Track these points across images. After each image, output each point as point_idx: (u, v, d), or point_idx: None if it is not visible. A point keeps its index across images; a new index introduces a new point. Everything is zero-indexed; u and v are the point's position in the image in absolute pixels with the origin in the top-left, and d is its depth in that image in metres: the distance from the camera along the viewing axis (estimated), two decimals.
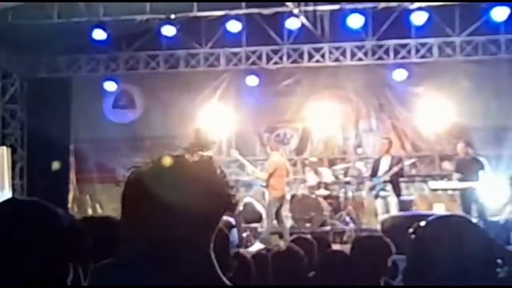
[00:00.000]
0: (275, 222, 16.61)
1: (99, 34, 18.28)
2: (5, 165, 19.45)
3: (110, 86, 20.54)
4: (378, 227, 15.54)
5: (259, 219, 17.77)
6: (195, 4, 18.23)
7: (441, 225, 3.18)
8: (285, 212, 18.07)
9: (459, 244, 3.00)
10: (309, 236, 10.41)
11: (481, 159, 16.95)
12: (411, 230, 3.20)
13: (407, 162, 18.43)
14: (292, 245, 7.70)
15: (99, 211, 19.48)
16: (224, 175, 2.49)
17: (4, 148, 19.70)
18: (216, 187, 2.50)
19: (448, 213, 13.56)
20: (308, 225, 17.03)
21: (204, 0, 18.32)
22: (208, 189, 2.46)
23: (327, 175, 18.64)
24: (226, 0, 18.37)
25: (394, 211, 16.56)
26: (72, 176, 21.13)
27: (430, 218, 3.23)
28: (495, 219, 16.17)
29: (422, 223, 3.16)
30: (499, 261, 6.87)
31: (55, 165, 19.77)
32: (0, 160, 19.20)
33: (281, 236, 16.69)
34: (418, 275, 3.11)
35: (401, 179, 17.73)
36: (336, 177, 18.84)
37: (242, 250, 10.66)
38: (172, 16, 18.52)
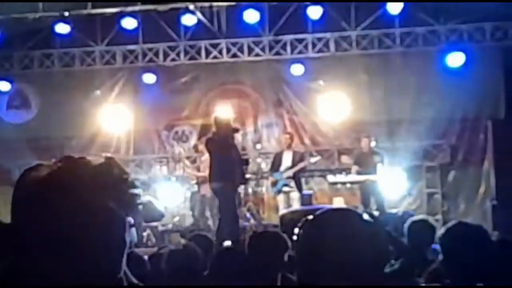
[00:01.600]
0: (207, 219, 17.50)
1: None
2: None
3: (3, 86, 20.97)
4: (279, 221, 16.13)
5: (159, 217, 18.17)
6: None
7: (327, 218, 3.41)
8: (187, 210, 19.11)
9: (344, 237, 3.23)
10: (207, 234, 11.37)
11: (380, 152, 18.35)
12: (299, 224, 3.47)
13: (312, 160, 19.28)
14: (189, 243, 8.28)
15: None
16: (126, 175, 2.72)
17: None
18: (115, 187, 2.65)
19: (335, 206, 14.78)
20: (209, 222, 17.66)
21: None
22: (106, 190, 2.60)
23: None
24: None
25: (296, 206, 17.50)
26: None
27: (317, 212, 3.49)
28: (393, 211, 17.51)
29: (310, 217, 3.40)
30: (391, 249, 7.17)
31: None
32: None
33: (182, 235, 17.18)
34: (307, 269, 3.35)
35: (303, 175, 18.96)
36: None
37: (139, 250, 11.37)
38: (66, 14, 19.15)
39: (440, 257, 5.60)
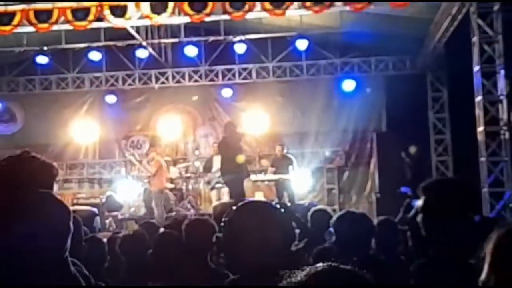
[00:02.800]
0: (159, 210, 17.15)
1: None
2: None
3: None
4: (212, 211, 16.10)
5: (118, 208, 18.42)
6: (63, 37, 18.51)
7: (246, 208, 3.40)
8: (140, 202, 18.91)
9: (259, 223, 3.21)
10: (154, 221, 11.39)
11: (291, 156, 18.22)
12: (225, 214, 3.52)
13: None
14: (138, 229, 8.23)
15: None
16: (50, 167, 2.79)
17: None
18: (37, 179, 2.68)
19: (254, 199, 15.07)
20: (155, 211, 17.32)
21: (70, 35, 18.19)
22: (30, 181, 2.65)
23: (173, 172, 19.33)
24: (88, 36, 18.63)
25: (225, 198, 17.21)
26: None
27: (240, 203, 3.48)
28: (301, 202, 17.51)
29: (234, 208, 3.40)
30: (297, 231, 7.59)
31: None
32: None
33: (136, 222, 16.59)
34: (230, 249, 3.35)
35: None
36: (180, 174, 19.61)
37: (100, 234, 11.05)
38: (45, 48, 19.18)
39: (334, 238, 5.57)
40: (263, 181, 18.99)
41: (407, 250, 6.26)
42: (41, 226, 2.38)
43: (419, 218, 4.03)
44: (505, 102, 14.46)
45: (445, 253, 3.69)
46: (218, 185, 18.26)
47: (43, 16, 15.58)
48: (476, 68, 14.76)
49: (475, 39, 14.71)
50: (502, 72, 14.40)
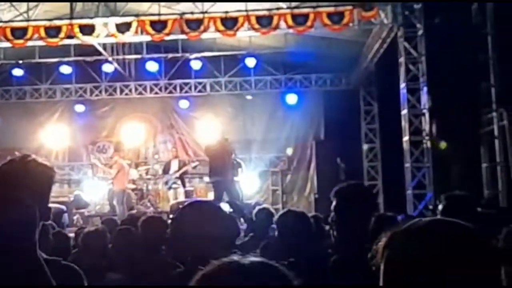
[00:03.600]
0: (120, 207, 16.61)
1: None
2: None
3: None
4: (169, 209, 16.29)
5: (85, 205, 18.05)
6: (37, 52, 18.25)
7: (189, 207, 3.35)
8: (105, 201, 18.43)
9: (203, 219, 3.15)
10: (115, 218, 11.39)
11: (240, 161, 17.79)
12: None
13: (193, 165, 18.81)
14: (100, 225, 8.08)
15: None
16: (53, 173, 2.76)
17: None
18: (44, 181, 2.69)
19: (200, 199, 15.02)
20: (116, 209, 16.83)
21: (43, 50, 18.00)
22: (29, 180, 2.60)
23: (134, 174, 18.82)
24: (59, 51, 18.27)
25: (182, 198, 17.36)
26: None
27: (185, 203, 3.50)
28: (248, 202, 17.28)
29: (181, 206, 3.53)
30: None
31: None
32: None
33: (101, 218, 15.39)
34: (176, 243, 3.31)
35: (186, 176, 18.66)
36: (140, 175, 19.24)
37: (68, 229, 10.88)
38: (20, 61, 19.06)
39: (276, 233, 5.55)
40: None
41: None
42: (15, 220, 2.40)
43: (331, 218, 4.13)
44: (427, 115, 14.75)
45: (352, 249, 3.73)
46: (174, 186, 18.09)
47: (19, 33, 15.58)
48: (402, 85, 15.02)
49: (401, 59, 14.98)
50: (425, 89, 14.69)
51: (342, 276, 3.71)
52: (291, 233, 4.98)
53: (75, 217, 17.63)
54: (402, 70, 14.98)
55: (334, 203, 4.02)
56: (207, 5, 15.32)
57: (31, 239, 2.47)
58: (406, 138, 14.99)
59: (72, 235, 7.84)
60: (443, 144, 15.22)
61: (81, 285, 2.73)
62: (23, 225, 2.43)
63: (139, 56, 19.70)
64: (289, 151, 21.30)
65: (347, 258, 3.80)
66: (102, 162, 19.89)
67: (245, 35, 16.56)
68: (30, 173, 2.63)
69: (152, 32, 15.47)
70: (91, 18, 16.10)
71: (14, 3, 16.08)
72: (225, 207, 12.55)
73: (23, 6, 15.98)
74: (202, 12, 15.25)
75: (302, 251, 4.53)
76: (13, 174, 2.60)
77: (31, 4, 15.93)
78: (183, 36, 16.01)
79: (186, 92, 21.13)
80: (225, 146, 14.94)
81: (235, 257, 1.62)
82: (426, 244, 1.61)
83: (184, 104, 21.14)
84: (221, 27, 15.16)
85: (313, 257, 4.41)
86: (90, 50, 18.61)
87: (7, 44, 16.01)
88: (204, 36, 15.90)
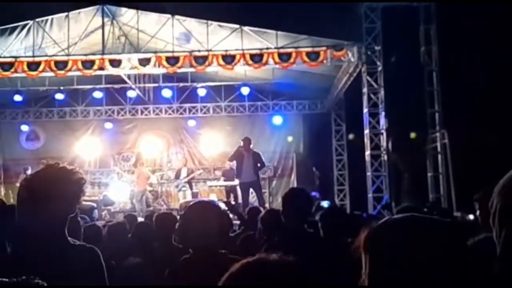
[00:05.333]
0: (140, 205, 16.56)
1: (17, 97, 18.25)
2: None
3: (24, 128, 20.93)
4: (178, 207, 16.05)
5: (111, 203, 17.63)
6: (75, 81, 18.26)
7: (193, 206, 3.32)
8: (128, 200, 18.19)
9: (203, 215, 3.16)
10: (135, 213, 11.65)
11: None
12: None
13: (198, 172, 18.83)
14: (122, 219, 7.92)
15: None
16: (81, 177, 2.62)
17: None
18: (71, 184, 2.57)
19: (203, 199, 13.16)
20: (136, 206, 16.90)
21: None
22: (66, 184, 2.54)
23: (152, 179, 18.54)
24: (93, 80, 18.15)
25: (189, 198, 16.93)
26: (1, 179, 21.06)
27: (191, 202, 3.52)
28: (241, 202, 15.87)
29: (189, 204, 3.39)
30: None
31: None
32: None
33: (124, 214, 14.83)
34: (181, 233, 3.26)
35: (193, 181, 18.26)
36: (157, 180, 19.04)
37: (97, 223, 10.31)
38: (61, 88, 19.07)
39: (261, 226, 5.40)
40: (216, 186, 18.51)
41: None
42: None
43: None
44: (384, 134, 14.78)
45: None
46: (183, 189, 17.77)
47: (61, 65, 15.58)
48: (365, 110, 15.05)
49: (364, 90, 15.02)
50: (383, 113, 14.73)
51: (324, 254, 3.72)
52: (273, 226, 4.95)
53: (103, 213, 17.41)
54: (365, 98, 15.03)
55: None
56: (211, 44, 15.32)
57: (62, 229, 2.57)
58: (367, 152, 15.03)
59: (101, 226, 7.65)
60: (412, 135, 15.14)
61: (98, 261, 2.69)
62: (56, 219, 2.54)
63: (156, 85, 19.52)
64: (290, 139, 21.08)
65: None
66: (126, 168, 19.90)
67: (241, 69, 16.52)
68: (60, 177, 2.60)
69: (167, 65, 15.50)
70: (119, 54, 16.25)
71: (57, 41, 16.04)
72: (222, 205, 12.44)
73: (64, 43, 15.94)
74: (207, 50, 15.29)
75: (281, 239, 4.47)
76: (48, 178, 2.57)
77: (71, 41, 15.90)
78: (192, 69, 15.98)
79: (193, 113, 20.99)
80: (247, 147, 14.34)
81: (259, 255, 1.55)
82: (402, 233, 1.64)
83: (191, 123, 20.98)
84: (222, 62, 15.22)
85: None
86: (117, 79, 18.53)
87: (51, 74, 15.95)
88: (208, 69, 15.88)
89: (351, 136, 20.15)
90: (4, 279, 1.28)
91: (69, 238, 2.60)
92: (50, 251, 2.44)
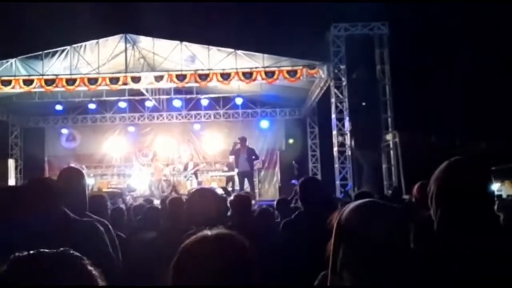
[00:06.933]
0: (157, 191, 16.33)
1: (58, 107, 18.47)
2: (12, 173, 19.23)
3: (64, 131, 20.69)
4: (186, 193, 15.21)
5: (134, 190, 17.42)
6: (104, 93, 18.24)
7: (196, 192, 3.29)
8: (147, 187, 17.57)
9: (203, 199, 3.09)
10: (152, 198, 11.49)
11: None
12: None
13: (202, 165, 18.41)
14: (142, 202, 8.08)
15: None
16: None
17: (11, 160, 19.68)
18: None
19: (206, 186, 14.27)
20: (154, 192, 16.57)
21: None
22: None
23: (165, 171, 17.80)
24: (118, 93, 18.08)
25: (195, 186, 16.14)
26: (46, 174, 20.14)
27: (196, 190, 3.40)
28: (237, 188, 15.40)
29: (192, 190, 3.36)
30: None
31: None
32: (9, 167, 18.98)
33: (144, 198, 15.03)
34: (189, 215, 3.13)
35: (198, 172, 17.84)
36: (169, 171, 17.94)
37: (121, 205, 10.86)
38: (93, 99, 19.03)
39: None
40: (217, 176, 18.53)
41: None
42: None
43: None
44: (348, 135, 14.77)
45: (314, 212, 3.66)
46: (191, 179, 17.45)
47: (92, 81, 15.55)
48: (333, 116, 15.09)
49: (333, 100, 15.06)
50: (347, 118, 14.75)
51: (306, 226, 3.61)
52: (237, 209, 4.59)
53: (127, 197, 16.53)
54: (333, 107, 15.07)
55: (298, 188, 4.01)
56: (211, 64, 15.31)
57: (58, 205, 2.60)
58: (335, 149, 15.08)
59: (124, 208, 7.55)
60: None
61: (108, 229, 2.76)
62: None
63: (168, 96, 19.53)
64: (290, 141, 20.73)
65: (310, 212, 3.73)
66: (144, 163, 19.57)
67: (235, 84, 16.46)
68: (74, 175, 2.77)
69: (177, 81, 15.46)
70: (138, 72, 16.13)
71: (90, 62, 16.01)
72: (220, 191, 12.33)
73: (95, 64, 15.91)
74: (208, 69, 15.28)
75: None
76: (66, 176, 2.75)
77: (101, 62, 15.86)
78: (196, 84, 15.98)
79: (198, 119, 20.85)
80: (244, 143, 14.37)
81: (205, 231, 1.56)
82: (363, 212, 1.65)
83: (196, 126, 20.82)
84: (220, 79, 15.21)
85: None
86: (138, 92, 18.47)
87: (85, 88, 15.95)
88: (210, 84, 15.91)
89: (291, 141, 20.28)
90: (45, 250, 1.18)
91: (71, 215, 2.61)
92: (57, 225, 2.43)
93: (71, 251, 1.21)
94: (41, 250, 1.17)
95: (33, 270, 1.11)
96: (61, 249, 1.20)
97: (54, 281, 1.09)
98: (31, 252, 1.16)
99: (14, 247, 1.23)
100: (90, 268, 1.16)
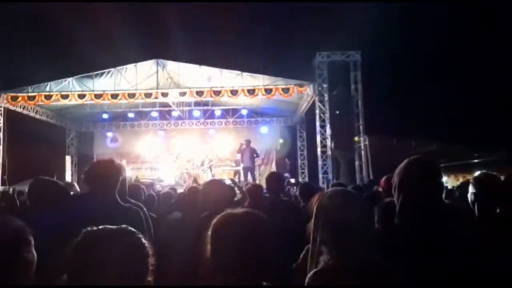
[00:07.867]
0: (180, 181, 15.81)
1: (104, 116, 18.33)
2: (68, 167, 19.22)
3: (109, 134, 20.47)
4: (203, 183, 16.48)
5: (162, 180, 16.88)
6: (140, 105, 17.90)
7: (209, 183, 3.17)
8: (172, 179, 17.47)
9: (215, 187, 2.99)
10: (177, 187, 10.57)
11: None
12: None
13: (215, 161, 18.11)
14: (169, 190, 7.35)
15: None
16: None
17: (68, 157, 19.63)
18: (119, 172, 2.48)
19: (217, 178, 14.38)
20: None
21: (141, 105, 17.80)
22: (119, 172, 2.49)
23: (187, 165, 17.63)
24: (151, 104, 18.11)
25: (210, 178, 15.14)
26: None
27: (209, 181, 3.33)
28: (242, 180, 15.15)
29: (206, 182, 3.19)
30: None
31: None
32: (67, 163, 18.87)
33: (170, 187, 16.15)
34: (203, 202, 2.99)
35: (212, 167, 17.59)
36: (190, 166, 17.67)
37: (153, 193, 10.97)
38: (132, 110, 18.84)
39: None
40: (227, 170, 18.34)
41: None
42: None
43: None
44: (329, 139, 14.73)
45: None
46: (207, 172, 17.27)
47: (131, 95, 15.43)
48: (317, 123, 15.05)
49: (317, 111, 15.02)
50: (328, 125, 14.68)
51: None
52: (255, 195, 4.43)
53: (157, 186, 16.38)
54: (317, 117, 15.04)
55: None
56: (223, 83, 15.21)
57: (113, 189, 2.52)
58: (319, 149, 15.03)
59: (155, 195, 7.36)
60: (356, 139, 14.68)
61: (143, 211, 2.68)
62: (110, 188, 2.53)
63: (190, 108, 19.29)
64: (281, 141, 20.28)
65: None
66: (171, 159, 19.17)
67: (241, 98, 16.25)
68: (110, 167, 2.57)
69: (196, 96, 15.36)
70: (167, 89, 15.98)
71: (129, 80, 15.84)
72: (229, 182, 12.29)
73: (134, 82, 15.79)
74: (221, 87, 15.17)
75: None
76: (103, 167, 2.57)
77: (138, 81, 15.76)
78: (211, 98, 15.80)
79: (212, 125, 20.55)
80: (248, 145, 14.21)
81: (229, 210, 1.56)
82: (336, 198, 1.64)
83: (211, 132, 20.55)
84: (230, 95, 15.10)
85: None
86: (166, 104, 18.32)
87: (125, 101, 15.81)
88: (222, 99, 15.83)
89: (281, 140, 19.79)
90: (108, 226, 1.22)
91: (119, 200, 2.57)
92: (106, 209, 2.35)
93: (129, 227, 1.25)
94: (106, 226, 1.22)
95: (102, 240, 1.16)
96: (122, 225, 1.25)
97: (118, 249, 1.15)
98: (100, 227, 1.21)
99: (83, 223, 1.27)
100: (143, 240, 1.23)
